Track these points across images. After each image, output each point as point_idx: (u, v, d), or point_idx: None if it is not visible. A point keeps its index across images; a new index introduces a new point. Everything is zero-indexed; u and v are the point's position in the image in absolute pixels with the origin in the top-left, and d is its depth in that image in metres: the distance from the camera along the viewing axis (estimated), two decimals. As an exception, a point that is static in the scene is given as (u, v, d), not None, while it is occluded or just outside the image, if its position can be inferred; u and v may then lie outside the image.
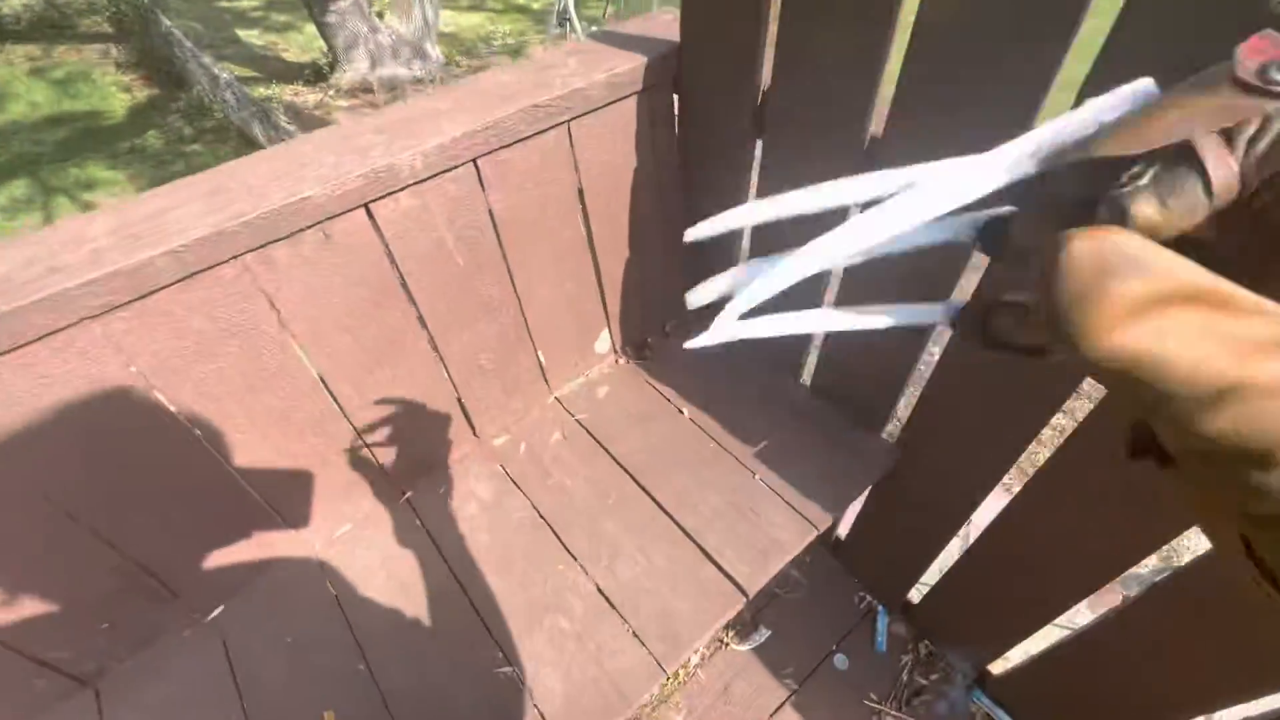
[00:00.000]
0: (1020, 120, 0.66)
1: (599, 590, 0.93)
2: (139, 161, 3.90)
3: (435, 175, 0.84)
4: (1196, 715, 0.90)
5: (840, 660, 1.29)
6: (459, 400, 1.06)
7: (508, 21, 5.62)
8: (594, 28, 4.65)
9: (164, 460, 0.81)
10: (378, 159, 0.78)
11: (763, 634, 1.32)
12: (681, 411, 1.14)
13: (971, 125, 0.70)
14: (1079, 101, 0.25)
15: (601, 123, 0.96)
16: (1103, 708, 1.02)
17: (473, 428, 1.10)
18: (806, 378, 1.18)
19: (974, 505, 1.03)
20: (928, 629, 1.31)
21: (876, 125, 0.81)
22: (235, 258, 0.73)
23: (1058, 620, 1.01)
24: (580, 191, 1.01)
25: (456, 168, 0.86)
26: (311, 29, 4.67)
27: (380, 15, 4.62)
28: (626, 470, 1.06)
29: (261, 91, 4.50)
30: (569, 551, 0.97)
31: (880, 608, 1.35)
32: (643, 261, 1.17)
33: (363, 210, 0.80)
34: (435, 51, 4.81)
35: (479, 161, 0.87)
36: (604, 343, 1.22)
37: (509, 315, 1.04)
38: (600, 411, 1.15)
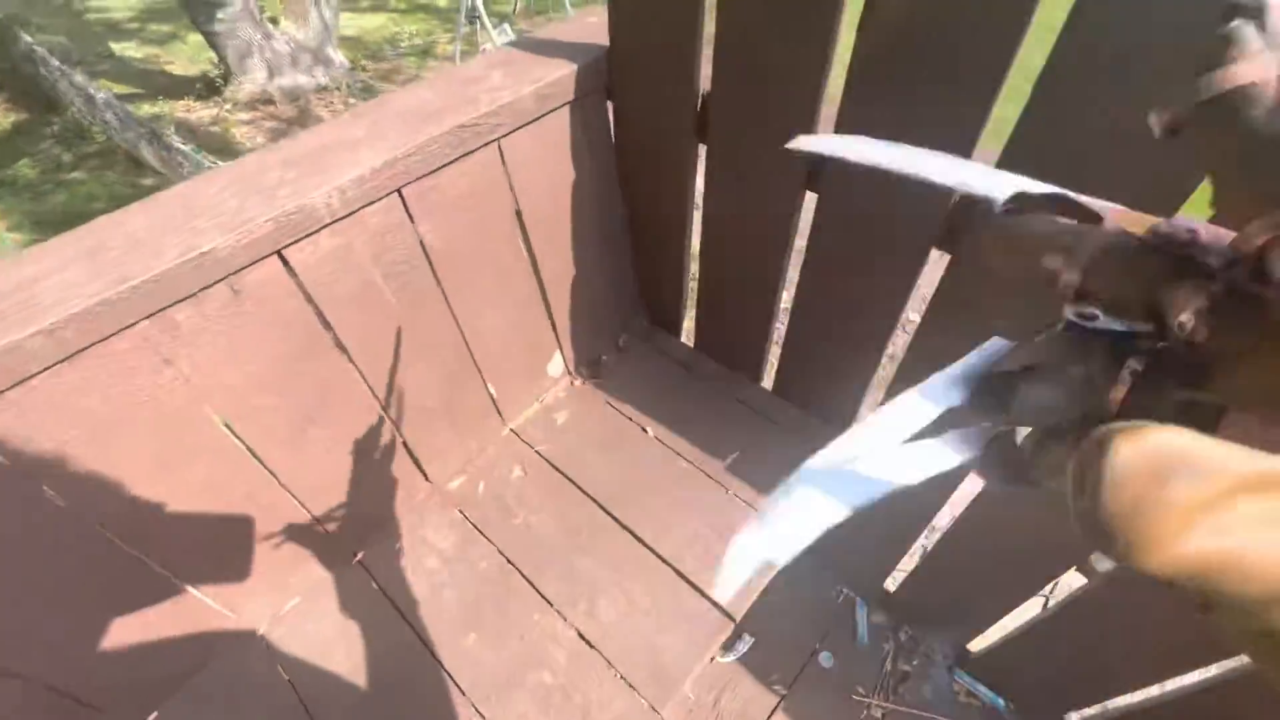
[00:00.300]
0: (969, 129, 0.64)
1: (580, 636, 0.87)
2: (11, 195, 3.51)
3: (356, 211, 0.76)
4: (1161, 681, 0.93)
5: (825, 658, 1.29)
6: (406, 447, 0.97)
7: (413, 22, 5.38)
8: (504, 24, 4.51)
9: (68, 562, 0.70)
10: (288, 200, 0.69)
11: (746, 642, 1.30)
12: (646, 431, 1.09)
13: (921, 126, 0.68)
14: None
15: (534, 138, 0.90)
16: (1078, 678, 1.04)
17: (424, 474, 1.02)
18: (768, 381, 1.16)
19: (947, 493, 1.03)
20: (906, 615, 1.32)
21: (825, 127, 0.78)
22: (129, 328, 0.63)
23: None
24: (518, 212, 0.95)
25: (379, 200, 0.77)
26: (197, 39, 4.32)
27: (274, 21, 4.32)
28: (596, 501, 1.01)
29: (148, 109, 4.13)
30: (544, 597, 0.91)
31: (858, 599, 1.35)
32: (589, 278, 1.11)
33: (276, 258, 0.71)
34: (338, 57, 4.55)
35: (404, 191, 0.79)
36: (556, 366, 1.15)
37: (452, 350, 0.97)
38: (561, 440, 1.09)
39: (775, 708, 1.23)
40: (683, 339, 1.24)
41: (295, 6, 4.34)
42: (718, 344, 1.18)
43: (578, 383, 1.18)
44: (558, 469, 1.05)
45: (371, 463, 0.94)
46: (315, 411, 0.83)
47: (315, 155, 0.75)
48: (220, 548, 0.84)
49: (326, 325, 0.79)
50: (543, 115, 0.90)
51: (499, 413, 1.09)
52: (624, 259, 1.17)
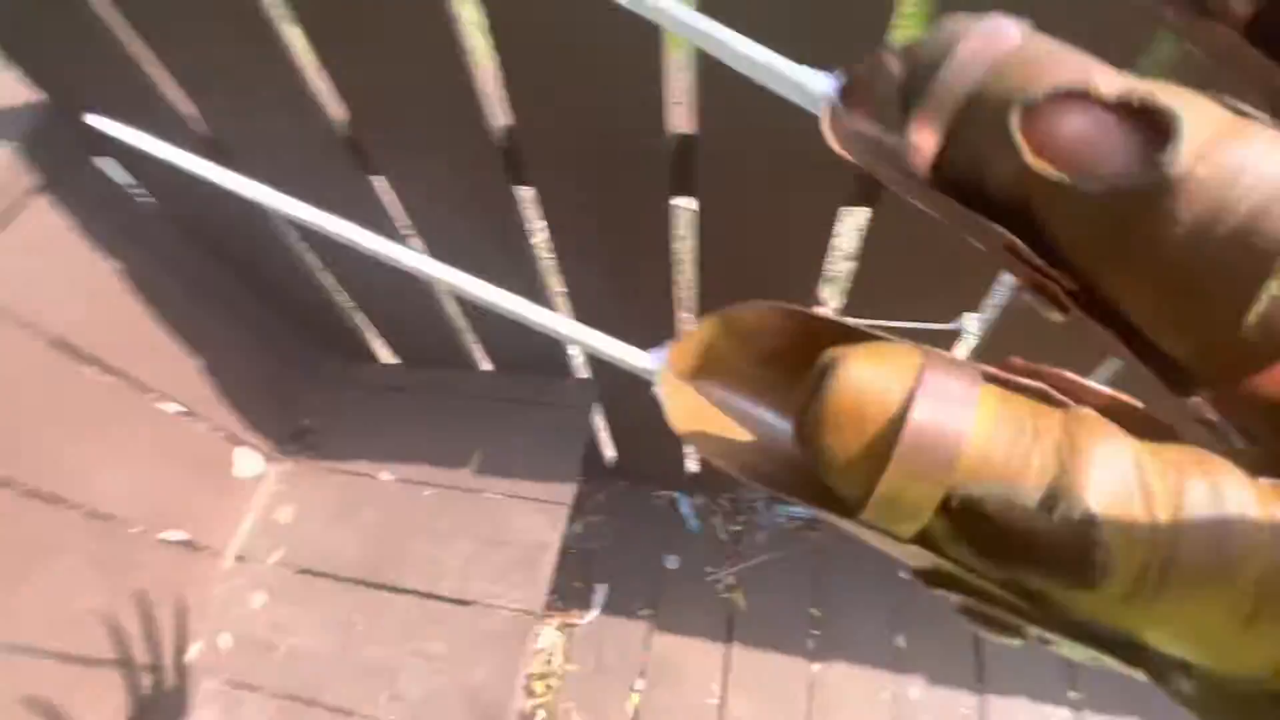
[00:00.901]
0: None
1: (395, 725, 0.81)
2: None
3: None
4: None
5: (672, 561, 1.35)
6: (88, 660, 0.79)
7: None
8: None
9: None
10: None
11: (601, 592, 1.32)
12: (380, 477, 0.99)
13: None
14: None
15: (19, 252, 0.69)
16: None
17: (133, 673, 0.85)
18: (485, 364, 1.09)
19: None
20: (719, 485, 1.42)
21: (339, 111, 0.67)
22: None
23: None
24: (63, 341, 0.75)
25: None
26: None
27: None
28: (358, 581, 0.91)
29: None
30: (340, 709, 0.82)
31: (677, 494, 1.42)
32: (234, 349, 0.94)
33: None
34: None
35: None
36: (249, 464, 0.99)
37: (87, 534, 0.78)
38: (295, 537, 0.96)
39: (651, 632, 1.28)
40: (382, 361, 1.13)
41: None
42: (413, 349, 1.08)
43: (288, 465, 1.03)
44: (304, 570, 0.93)
45: (46, 712, 0.76)
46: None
47: None
48: None
49: None
50: (8, 224, 0.69)
51: (202, 550, 0.92)
52: (263, 309, 1.00)
